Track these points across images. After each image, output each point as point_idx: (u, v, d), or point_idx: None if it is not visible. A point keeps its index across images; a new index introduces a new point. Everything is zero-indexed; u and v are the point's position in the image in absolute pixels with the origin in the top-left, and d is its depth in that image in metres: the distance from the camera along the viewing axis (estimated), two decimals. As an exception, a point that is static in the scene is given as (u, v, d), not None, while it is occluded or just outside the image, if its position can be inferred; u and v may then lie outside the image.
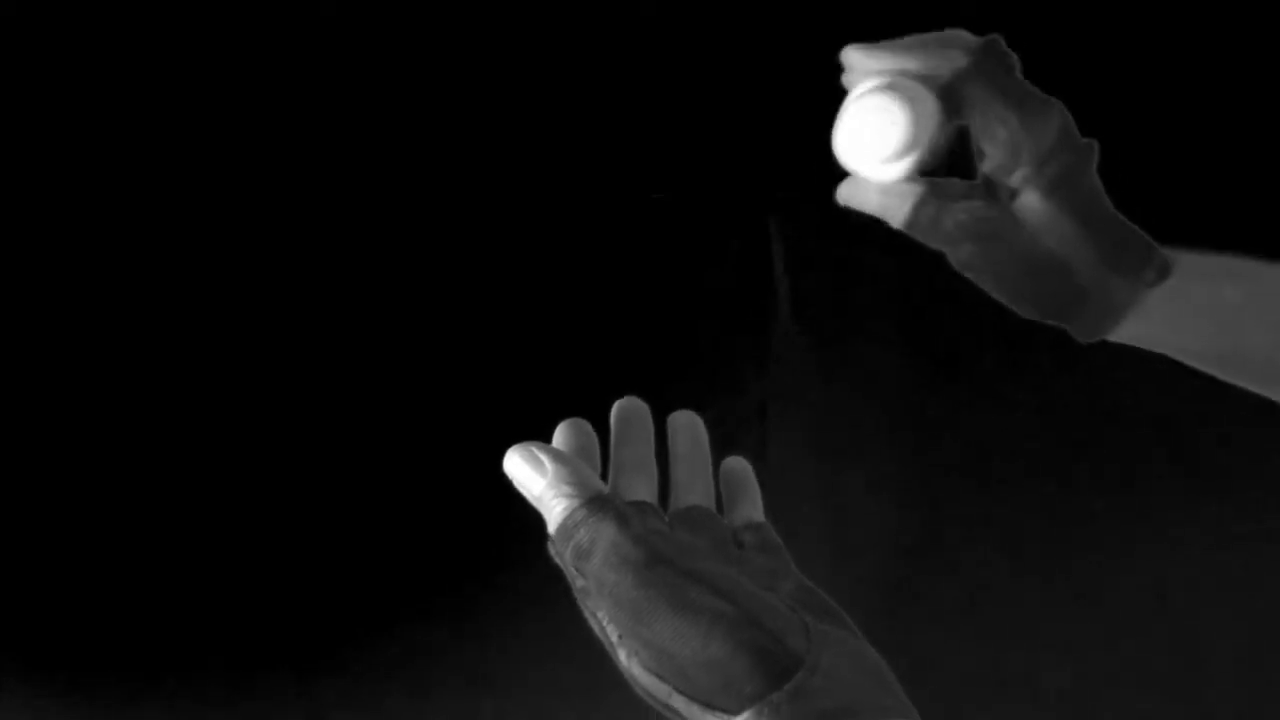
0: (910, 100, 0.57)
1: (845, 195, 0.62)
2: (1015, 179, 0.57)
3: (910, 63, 0.58)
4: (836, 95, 1.44)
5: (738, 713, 0.47)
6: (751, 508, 0.59)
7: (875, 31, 1.28)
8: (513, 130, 1.28)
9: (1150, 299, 0.58)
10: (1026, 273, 0.58)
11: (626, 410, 0.59)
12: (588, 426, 0.57)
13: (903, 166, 0.59)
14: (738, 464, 0.61)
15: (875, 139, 0.58)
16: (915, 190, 0.58)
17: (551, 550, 0.53)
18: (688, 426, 0.60)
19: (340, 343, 1.27)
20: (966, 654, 1.29)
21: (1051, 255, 0.57)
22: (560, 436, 0.56)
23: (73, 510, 1.26)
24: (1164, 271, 0.58)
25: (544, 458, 0.53)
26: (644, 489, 0.56)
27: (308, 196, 1.26)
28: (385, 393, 1.27)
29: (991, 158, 0.57)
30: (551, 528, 0.52)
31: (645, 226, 1.29)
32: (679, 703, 0.48)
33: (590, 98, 1.28)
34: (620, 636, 0.50)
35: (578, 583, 0.51)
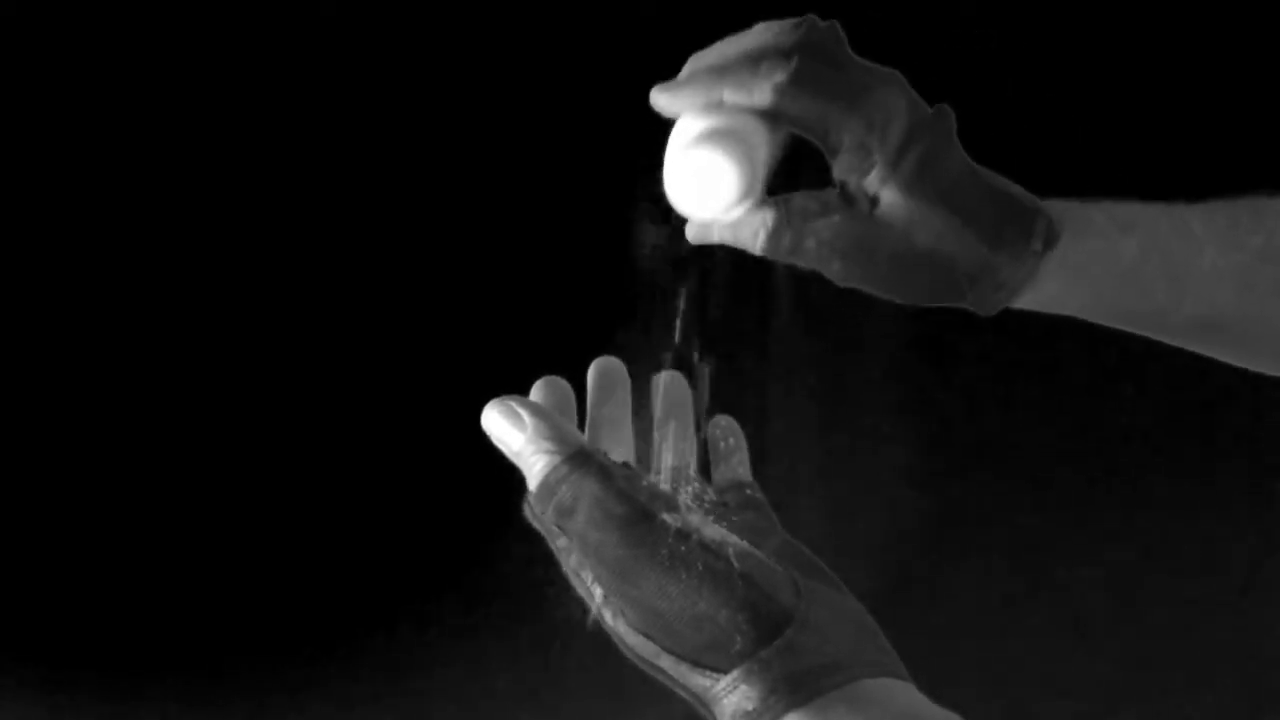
0: (735, 148, 0.51)
1: (695, 236, 0.57)
2: (871, 181, 0.52)
3: (722, 95, 0.52)
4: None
5: (727, 670, 0.46)
6: (738, 466, 0.58)
7: (870, 31, 1.28)
8: (513, 130, 1.28)
9: (1044, 266, 0.54)
10: (907, 272, 0.53)
11: (604, 370, 0.58)
12: (565, 385, 0.56)
13: (745, 206, 0.53)
14: (725, 422, 0.59)
15: (709, 193, 0.52)
16: (766, 219, 0.53)
17: (527, 512, 0.51)
18: (671, 386, 0.59)
19: (338, 344, 1.27)
20: (966, 646, 1.30)
21: (929, 251, 0.52)
22: (537, 394, 0.55)
23: (66, 513, 1.26)
24: (1052, 238, 0.53)
25: (523, 412, 0.51)
26: (621, 450, 0.55)
27: (307, 196, 1.26)
28: (382, 394, 1.27)
29: (840, 162, 0.52)
30: (532, 484, 0.51)
31: (644, 225, 1.29)
32: (667, 662, 0.47)
33: (591, 98, 1.28)
34: (605, 596, 0.48)
35: (559, 542, 0.50)
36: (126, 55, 1.23)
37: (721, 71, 0.52)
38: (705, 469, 0.58)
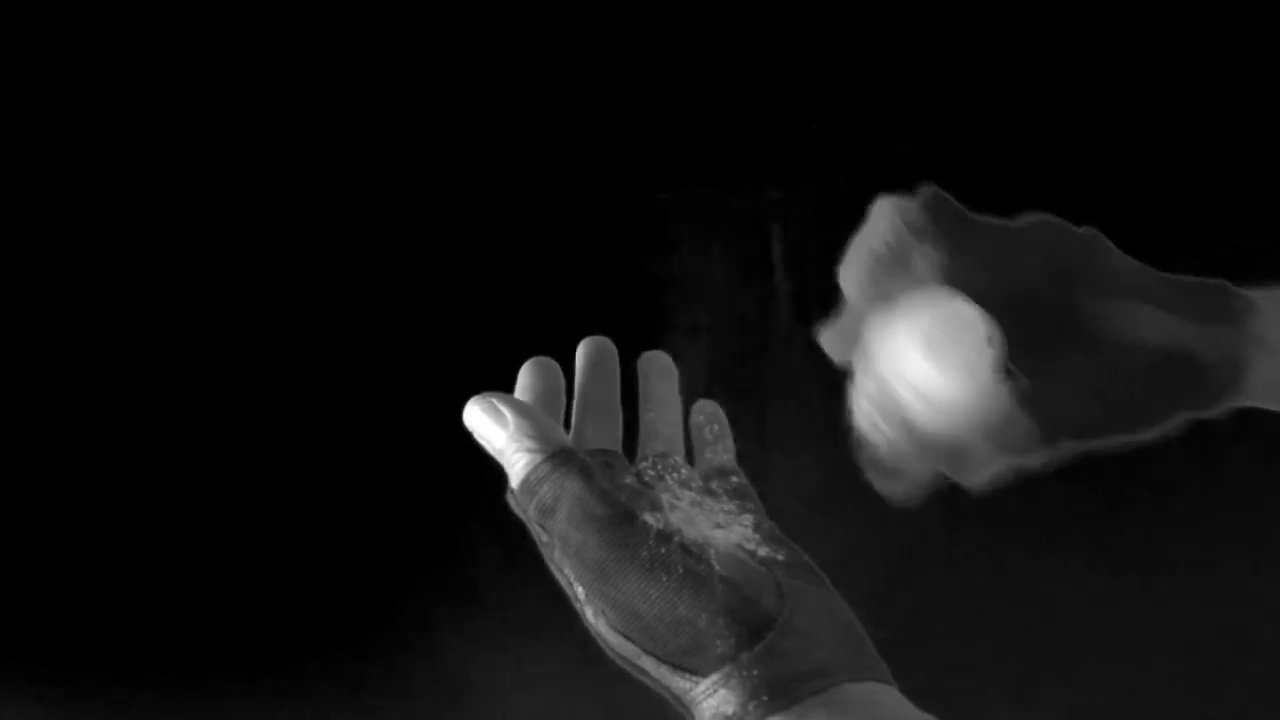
0: (969, 305, 0.47)
1: (979, 482, 0.52)
2: (1081, 303, 0.49)
3: (893, 290, 0.49)
4: (834, 95, 1.44)
5: (707, 674, 0.45)
6: (724, 452, 0.56)
7: (870, 37, 1.28)
8: (515, 131, 1.28)
9: (1249, 350, 0.50)
10: (1147, 383, 0.50)
11: (594, 351, 0.56)
12: (555, 366, 0.54)
13: (996, 379, 0.48)
14: (710, 407, 0.58)
15: (970, 354, 0.47)
16: (1016, 388, 0.49)
17: (512, 502, 0.50)
18: (660, 369, 0.57)
19: (335, 346, 1.27)
20: (967, 653, 1.30)
21: (1160, 347, 0.49)
22: (526, 376, 0.54)
23: (56, 514, 1.26)
24: (1248, 302, 0.50)
25: (505, 409, 0.51)
26: (607, 434, 0.54)
27: (307, 196, 1.26)
28: (380, 394, 1.27)
29: (1037, 307, 0.49)
30: (514, 482, 0.50)
31: (645, 226, 1.29)
32: (648, 663, 0.46)
33: (591, 98, 1.28)
34: (587, 594, 0.47)
35: (542, 537, 0.49)
36: (127, 55, 1.23)
37: (883, 268, 0.49)
38: (688, 451, 0.57)
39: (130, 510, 1.27)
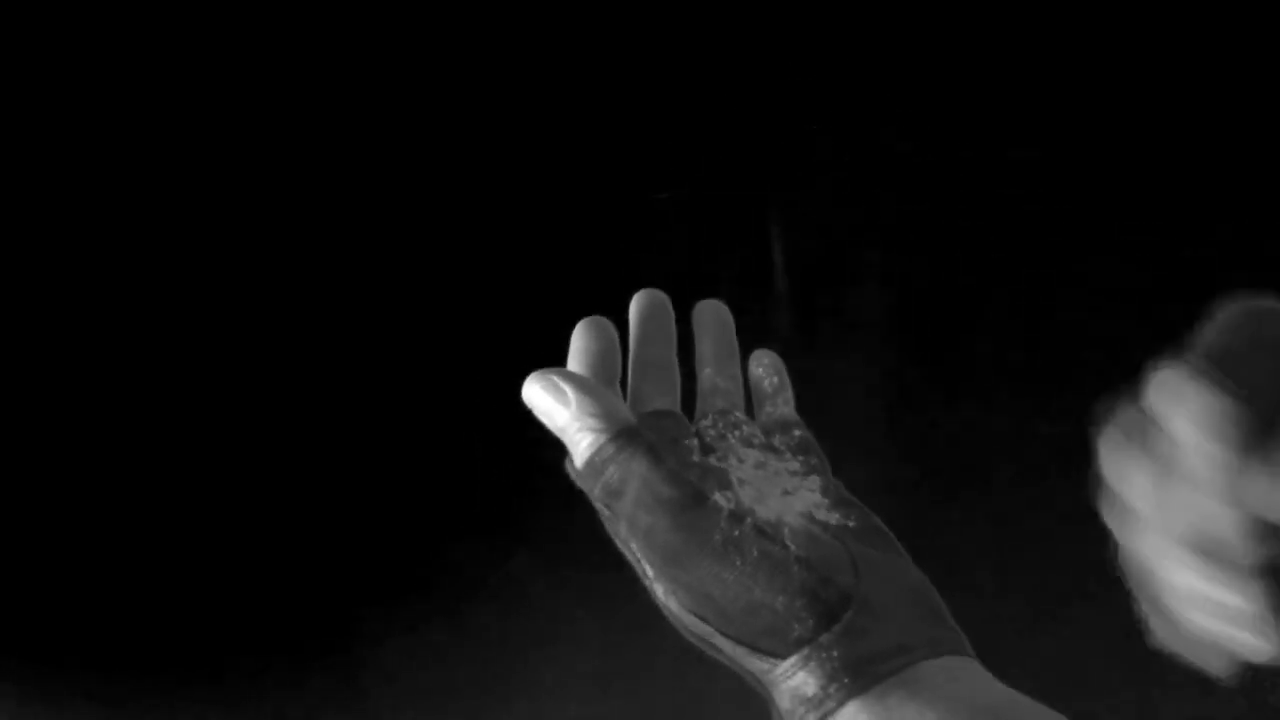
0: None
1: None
2: None
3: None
4: (834, 95, 1.44)
5: (785, 656, 0.44)
6: (784, 404, 0.54)
7: (869, 37, 1.28)
8: (515, 131, 1.28)
9: None
10: None
11: (647, 306, 0.54)
12: (609, 327, 0.52)
13: None
14: (768, 358, 0.55)
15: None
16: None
17: (571, 472, 0.49)
18: (716, 321, 0.55)
19: (338, 347, 1.27)
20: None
21: None
22: (580, 338, 0.52)
23: (52, 513, 1.26)
24: None
25: (567, 387, 0.49)
26: (666, 393, 0.52)
27: (308, 197, 1.26)
28: (382, 395, 1.27)
29: None
30: (578, 462, 0.48)
31: (645, 226, 1.29)
32: (723, 643, 0.45)
33: (591, 98, 1.28)
34: (656, 574, 0.46)
35: (605, 513, 0.48)
36: (126, 55, 1.23)
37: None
38: (747, 402, 0.55)
39: (127, 508, 1.27)
